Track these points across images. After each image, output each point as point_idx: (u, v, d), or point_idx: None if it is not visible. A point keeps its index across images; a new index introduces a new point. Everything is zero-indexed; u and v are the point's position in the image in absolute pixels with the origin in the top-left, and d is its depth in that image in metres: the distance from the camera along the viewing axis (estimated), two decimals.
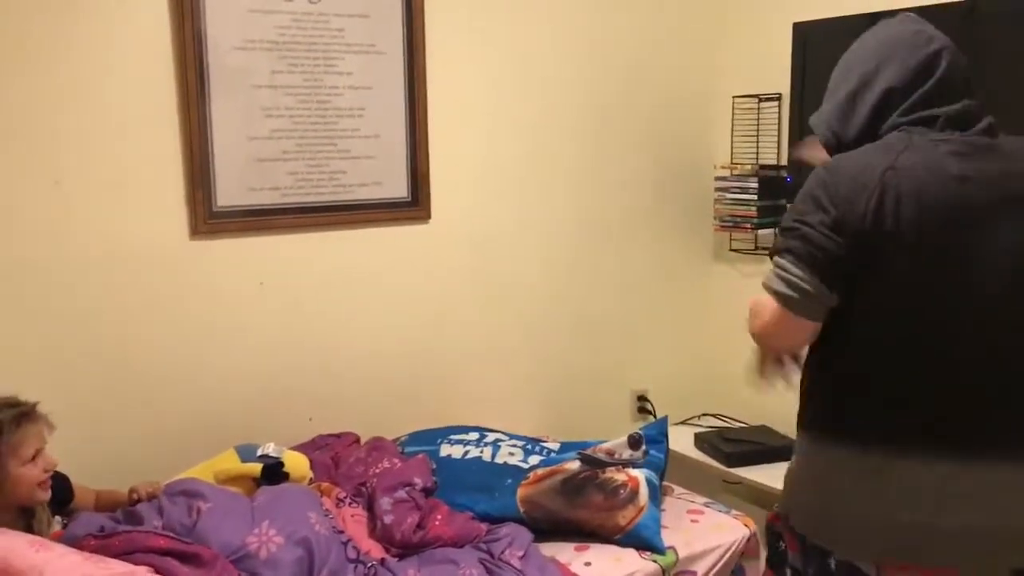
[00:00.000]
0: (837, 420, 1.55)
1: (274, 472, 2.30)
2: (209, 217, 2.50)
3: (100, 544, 1.84)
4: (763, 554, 2.32)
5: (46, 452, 1.95)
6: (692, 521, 2.46)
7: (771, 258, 1.53)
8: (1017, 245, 1.44)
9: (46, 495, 1.95)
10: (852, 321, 1.49)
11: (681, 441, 3.02)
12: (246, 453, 2.34)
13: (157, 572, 1.77)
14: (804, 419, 1.62)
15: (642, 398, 3.37)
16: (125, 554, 1.81)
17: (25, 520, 1.95)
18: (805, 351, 1.63)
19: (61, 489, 2.09)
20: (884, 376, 1.49)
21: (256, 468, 2.29)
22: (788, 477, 1.66)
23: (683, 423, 3.29)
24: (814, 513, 1.57)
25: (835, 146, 1.60)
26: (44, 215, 2.30)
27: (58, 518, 2.05)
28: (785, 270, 1.48)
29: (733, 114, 3.25)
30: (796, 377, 1.68)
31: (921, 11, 1.64)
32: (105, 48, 2.33)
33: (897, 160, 1.45)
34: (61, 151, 2.30)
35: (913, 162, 1.45)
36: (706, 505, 2.56)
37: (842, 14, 2.81)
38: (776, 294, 1.49)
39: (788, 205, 1.58)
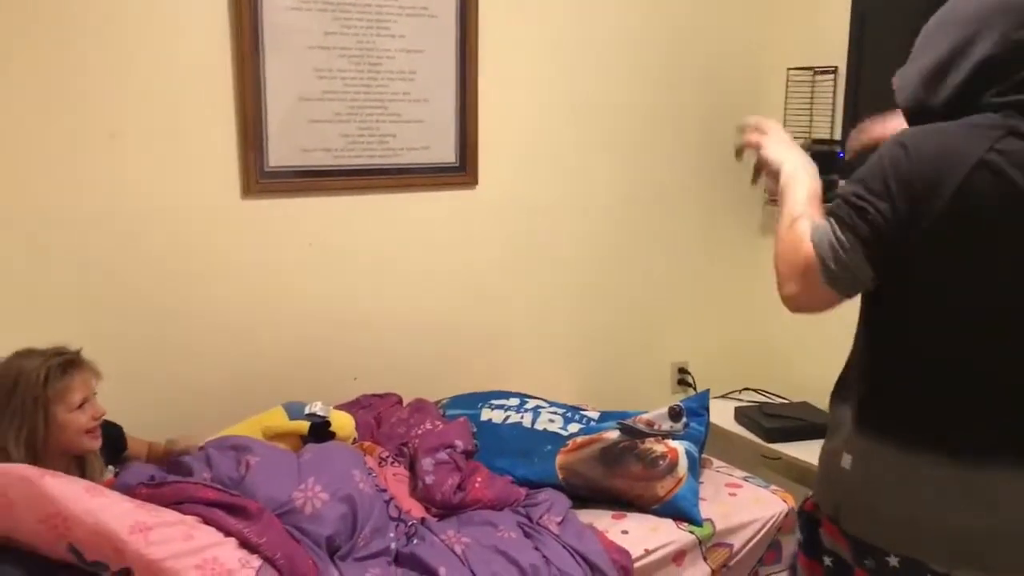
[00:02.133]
0: (920, 424, 1.43)
1: (321, 431, 2.34)
2: (261, 177, 2.52)
3: (151, 493, 1.89)
4: (794, 538, 2.31)
5: (94, 400, 1.99)
6: (730, 494, 2.46)
7: (826, 216, 1.42)
8: None
9: (95, 443, 1.98)
10: (928, 318, 1.39)
11: (721, 415, 3.02)
12: (294, 411, 2.38)
13: (205, 522, 1.82)
14: (872, 418, 1.49)
15: (682, 370, 3.36)
16: (175, 503, 1.86)
17: (79, 467, 2.00)
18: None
19: (115, 439, 2.14)
20: (969, 380, 1.39)
21: (303, 426, 2.33)
22: (836, 474, 1.53)
23: (724, 397, 3.28)
24: (881, 518, 1.46)
25: (918, 113, 1.44)
26: (100, 170, 2.34)
27: (111, 467, 2.11)
28: (843, 247, 1.38)
29: (787, 86, 3.19)
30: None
31: None
32: (162, 5, 2.35)
33: (990, 153, 1.29)
34: (117, 108, 2.34)
35: (1012, 157, 1.29)
36: (745, 479, 2.56)
37: None
38: (825, 268, 1.39)
39: (847, 180, 1.45)
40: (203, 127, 2.45)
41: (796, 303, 1.46)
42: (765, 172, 1.65)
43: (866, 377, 1.52)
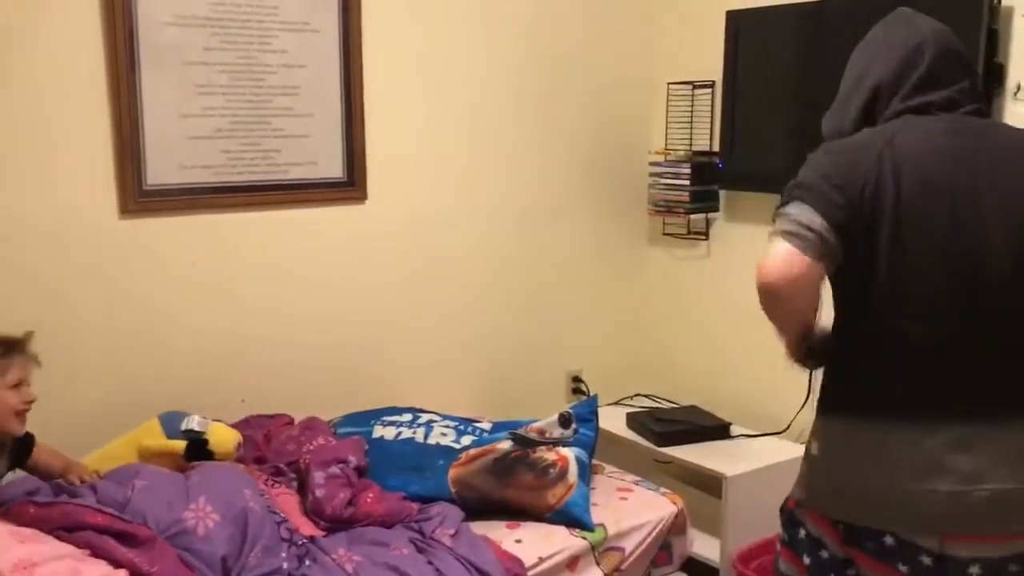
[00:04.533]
0: (865, 400, 1.57)
1: (198, 450, 2.28)
2: (139, 195, 2.46)
3: (39, 513, 1.84)
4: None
5: (28, 386, 2.02)
6: (621, 499, 2.52)
7: (774, 219, 1.55)
8: (1006, 221, 1.50)
9: (21, 428, 2.01)
10: (861, 296, 1.55)
11: (613, 421, 3.07)
12: (170, 423, 2.32)
13: (95, 552, 1.77)
14: (827, 400, 1.65)
15: (577, 379, 3.41)
16: (64, 528, 1.81)
17: None
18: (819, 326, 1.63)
19: (22, 443, 2.10)
20: (900, 350, 1.54)
21: (180, 445, 2.28)
22: (809, 462, 1.66)
23: (616, 403, 3.34)
24: (852, 496, 1.58)
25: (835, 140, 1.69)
26: None
27: (20, 471, 2.07)
28: (794, 216, 1.51)
29: (668, 100, 3.29)
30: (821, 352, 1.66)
31: None
32: (32, 21, 2.28)
33: (894, 139, 1.55)
34: None
35: (908, 140, 1.55)
36: (636, 483, 2.62)
37: (773, 3, 2.87)
38: (789, 235, 1.50)
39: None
40: (78, 145, 2.38)
41: (774, 279, 1.50)
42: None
43: (829, 367, 1.66)
